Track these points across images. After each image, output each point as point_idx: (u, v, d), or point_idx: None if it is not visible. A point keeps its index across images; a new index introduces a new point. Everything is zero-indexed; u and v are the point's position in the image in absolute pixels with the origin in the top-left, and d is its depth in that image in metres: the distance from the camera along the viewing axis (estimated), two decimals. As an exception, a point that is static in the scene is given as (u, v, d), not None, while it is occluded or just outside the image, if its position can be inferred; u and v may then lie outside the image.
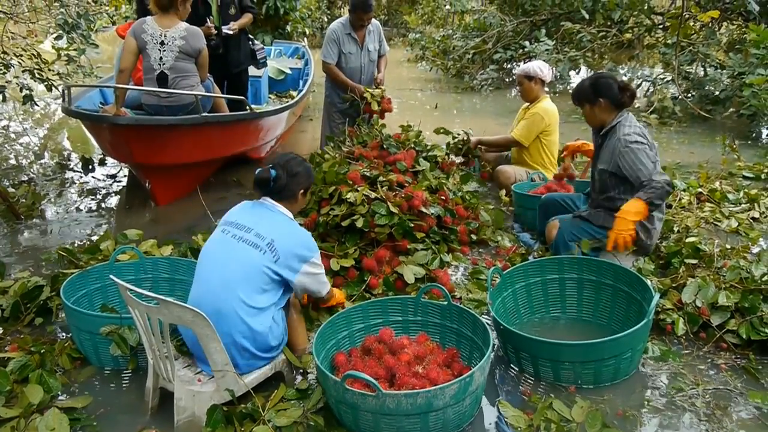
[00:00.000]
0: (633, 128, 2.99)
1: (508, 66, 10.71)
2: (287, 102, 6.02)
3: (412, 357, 2.26)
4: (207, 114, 4.21)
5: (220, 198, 4.58)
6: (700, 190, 4.31)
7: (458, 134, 4.75)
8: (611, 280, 2.75)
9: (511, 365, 2.53)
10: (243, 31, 5.02)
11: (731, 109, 7.15)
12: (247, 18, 4.96)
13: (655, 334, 2.69)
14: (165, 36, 4.02)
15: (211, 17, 4.73)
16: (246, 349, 2.18)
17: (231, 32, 4.77)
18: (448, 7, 13.30)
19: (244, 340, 2.16)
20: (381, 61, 5.05)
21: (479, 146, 4.75)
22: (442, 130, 4.69)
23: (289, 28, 10.72)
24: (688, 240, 3.25)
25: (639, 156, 2.90)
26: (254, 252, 2.20)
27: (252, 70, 5.70)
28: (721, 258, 3.06)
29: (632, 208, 2.81)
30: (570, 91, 10.01)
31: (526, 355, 2.41)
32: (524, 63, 4.95)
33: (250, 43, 5.22)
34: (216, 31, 4.71)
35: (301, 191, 2.42)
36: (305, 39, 11.34)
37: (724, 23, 9.16)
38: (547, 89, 4.47)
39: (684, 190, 4.31)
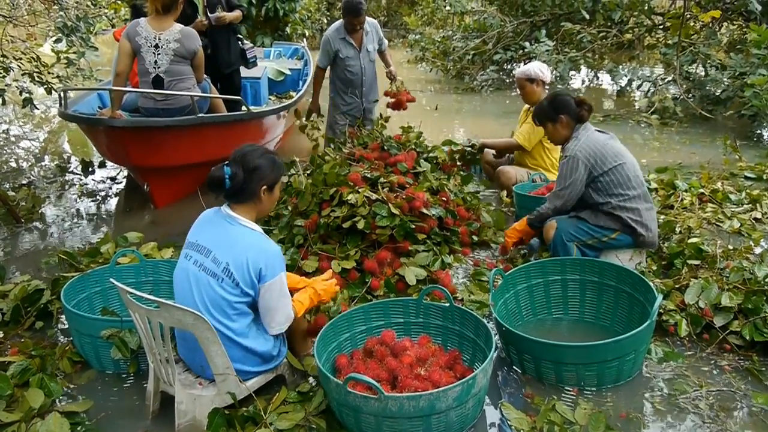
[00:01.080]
0: (580, 143, 3.08)
1: (509, 67, 10.69)
2: (285, 103, 6.02)
3: (414, 359, 2.25)
4: (203, 114, 4.19)
5: (221, 200, 4.57)
6: (701, 190, 4.30)
7: (467, 143, 4.73)
8: (614, 282, 2.74)
9: (514, 367, 2.52)
10: (232, 31, 4.99)
11: (732, 110, 7.14)
12: (235, 13, 4.92)
13: (657, 336, 2.67)
14: (159, 39, 3.99)
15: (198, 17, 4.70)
16: (239, 370, 2.15)
17: (219, 20, 4.69)
18: (448, 8, 13.29)
19: (235, 363, 2.13)
20: (385, 55, 5.06)
21: (483, 148, 4.73)
22: (450, 143, 4.66)
23: (288, 29, 10.72)
24: (690, 241, 3.24)
25: (562, 170, 3.09)
26: (213, 282, 2.08)
27: (252, 72, 5.69)
28: (724, 259, 3.05)
29: (518, 225, 3.35)
30: (570, 90, 10.04)
31: (529, 357, 2.40)
32: (524, 64, 4.94)
33: (240, 43, 5.20)
34: (207, 22, 4.66)
35: (264, 188, 2.17)
36: (305, 40, 11.34)
37: (725, 23, 9.15)
38: (547, 89, 4.46)
39: (686, 191, 4.30)
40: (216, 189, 2.12)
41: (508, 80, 10.34)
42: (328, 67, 5.03)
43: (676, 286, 2.90)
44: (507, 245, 3.44)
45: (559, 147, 4.38)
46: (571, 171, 3.05)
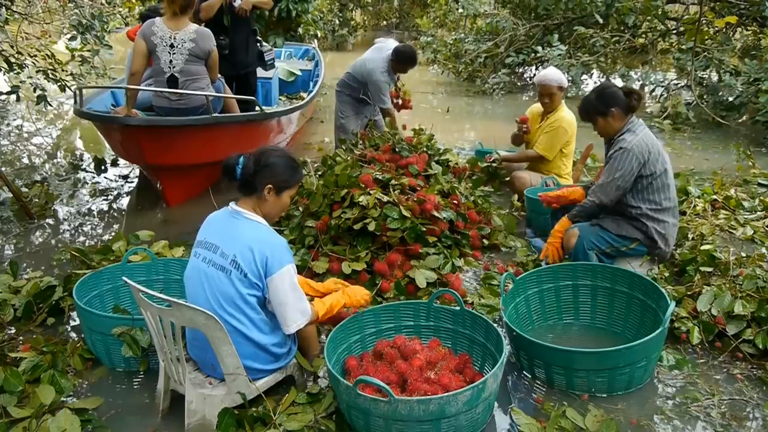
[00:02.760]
0: (638, 137, 2.99)
1: (520, 70, 10.65)
2: (298, 103, 6.03)
3: (424, 362, 2.25)
4: (217, 114, 4.21)
5: (232, 199, 4.57)
6: (714, 197, 4.26)
7: (491, 155, 4.68)
8: (626, 288, 2.73)
9: (524, 372, 2.50)
10: (252, 33, 5.01)
11: (746, 116, 7.08)
12: None
13: (669, 343, 2.65)
14: (175, 38, 4.01)
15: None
16: (249, 368, 2.15)
17: (241, 9, 4.71)
18: (460, 10, 13.27)
19: (245, 360, 2.13)
20: None
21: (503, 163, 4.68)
22: (476, 160, 4.61)
23: (301, 30, 10.75)
24: (702, 247, 3.21)
25: (613, 162, 2.99)
26: (222, 276, 2.09)
27: (261, 72, 5.71)
28: (737, 266, 3.02)
29: (559, 228, 3.17)
30: (582, 95, 9.99)
31: (539, 362, 2.39)
32: (536, 68, 4.90)
33: (258, 44, 5.22)
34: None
35: (269, 186, 2.17)
36: (316, 41, 11.36)
37: (739, 28, 9.09)
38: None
39: (698, 197, 4.26)
40: (228, 176, 2.18)
41: (519, 83, 10.30)
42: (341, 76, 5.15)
43: (689, 293, 2.87)
44: (556, 252, 3.18)
45: (573, 153, 4.38)
46: (622, 163, 2.93)
